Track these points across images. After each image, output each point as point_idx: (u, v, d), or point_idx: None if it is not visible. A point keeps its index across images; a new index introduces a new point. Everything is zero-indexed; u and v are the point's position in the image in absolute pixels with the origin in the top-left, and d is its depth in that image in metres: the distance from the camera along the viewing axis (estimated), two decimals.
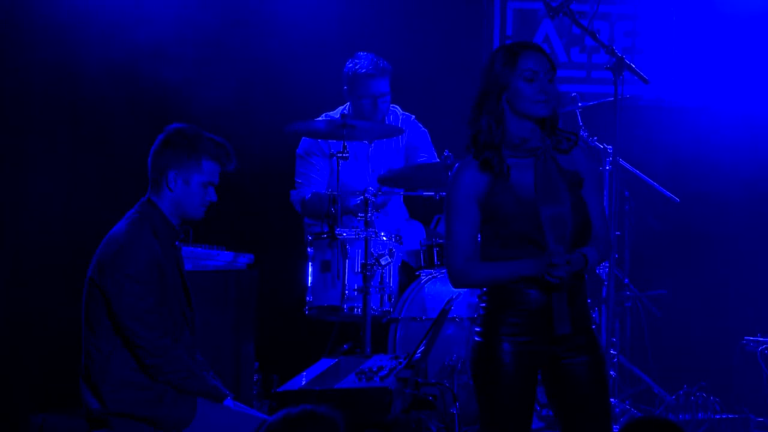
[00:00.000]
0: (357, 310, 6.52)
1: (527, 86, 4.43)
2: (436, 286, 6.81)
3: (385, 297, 6.59)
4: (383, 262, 6.49)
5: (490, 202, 4.44)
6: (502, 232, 4.43)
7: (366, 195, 6.58)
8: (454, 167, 4.60)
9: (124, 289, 4.96)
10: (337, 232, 6.51)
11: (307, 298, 6.59)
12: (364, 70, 7.15)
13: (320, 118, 7.21)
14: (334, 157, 6.66)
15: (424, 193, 6.92)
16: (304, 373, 5.65)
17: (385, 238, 6.58)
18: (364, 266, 6.46)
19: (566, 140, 4.52)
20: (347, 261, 6.54)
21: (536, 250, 4.39)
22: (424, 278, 6.88)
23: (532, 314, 4.41)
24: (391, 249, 6.57)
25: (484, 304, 4.48)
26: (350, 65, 7.22)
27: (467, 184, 4.47)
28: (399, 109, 7.41)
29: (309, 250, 6.60)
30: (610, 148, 7.11)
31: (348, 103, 7.31)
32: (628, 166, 7.39)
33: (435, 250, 6.84)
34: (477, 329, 4.49)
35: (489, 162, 4.44)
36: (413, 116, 7.44)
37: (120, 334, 4.99)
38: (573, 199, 4.44)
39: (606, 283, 6.90)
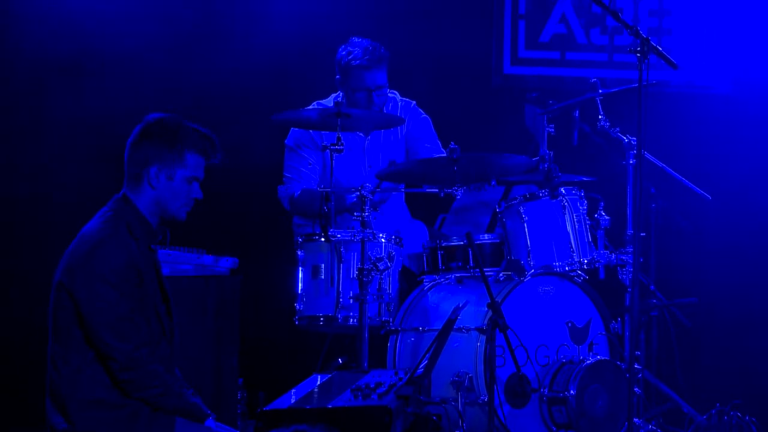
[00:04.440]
0: (352, 320, 6.49)
1: None
2: (441, 294, 6.78)
3: (384, 305, 6.56)
4: (382, 267, 6.46)
5: None
6: None
7: (362, 192, 6.55)
8: None
9: (96, 293, 4.92)
10: (330, 234, 6.48)
11: (297, 307, 6.56)
12: (357, 62, 7.10)
13: (311, 107, 7.17)
14: (327, 150, 6.63)
15: (428, 190, 6.86)
16: (294, 391, 5.64)
17: (383, 240, 6.54)
18: (360, 271, 6.43)
19: None
20: (342, 266, 6.51)
21: None
22: (427, 285, 6.86)
23: None
24: (391, 252, 6.54)
25: None
26: (343, 53, 7.17)
27: None
28: (398, 94, 7.36)
29: (299, 253, 6.56)
30: (634, 140, 7.07)
31: (341, 92, 7.28)
32: (654, 159, 7.37)
33: (439, 253, 6.81)
34: None
35: None
36: (413, 102, 7.40)
37: (91, 345, 4.95)
38: None
39: (629, 289, 6.87)
